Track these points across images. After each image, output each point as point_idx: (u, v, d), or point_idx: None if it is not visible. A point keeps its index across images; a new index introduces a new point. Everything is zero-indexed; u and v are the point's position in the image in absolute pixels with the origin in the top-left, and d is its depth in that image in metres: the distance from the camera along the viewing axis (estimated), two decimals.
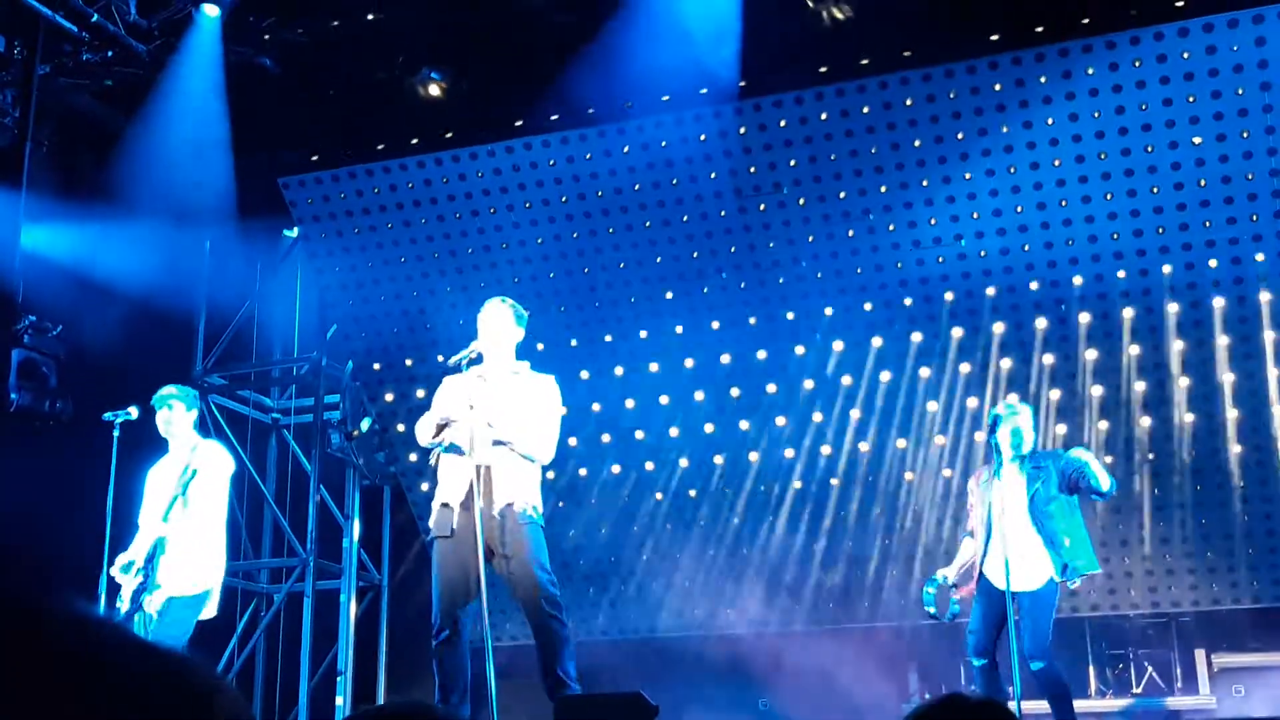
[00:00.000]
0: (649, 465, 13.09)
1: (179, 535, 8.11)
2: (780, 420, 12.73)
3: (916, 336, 12.26)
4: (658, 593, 13.34)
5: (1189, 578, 12.07)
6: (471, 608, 7.09)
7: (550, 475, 13.00)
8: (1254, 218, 11.16)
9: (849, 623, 12.86)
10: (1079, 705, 11.45)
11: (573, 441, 12.26)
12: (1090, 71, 11.08)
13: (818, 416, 12.65)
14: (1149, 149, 11.10)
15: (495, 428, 7.19)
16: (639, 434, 12.99)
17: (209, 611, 8.35)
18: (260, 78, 11.93)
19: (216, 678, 1.15)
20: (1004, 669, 8.25)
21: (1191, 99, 10.88)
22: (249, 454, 13.39)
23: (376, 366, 13.54)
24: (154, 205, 11.90)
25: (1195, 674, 12.03)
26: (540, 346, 12.82)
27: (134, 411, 8.99)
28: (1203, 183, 11.14)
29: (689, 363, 12.77)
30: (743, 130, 11.85)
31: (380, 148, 12.65)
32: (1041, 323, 11.96)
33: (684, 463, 13.02)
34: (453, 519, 7.13)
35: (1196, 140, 11.01)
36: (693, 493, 13.09)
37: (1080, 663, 12.08)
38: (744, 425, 12.82)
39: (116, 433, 8.89)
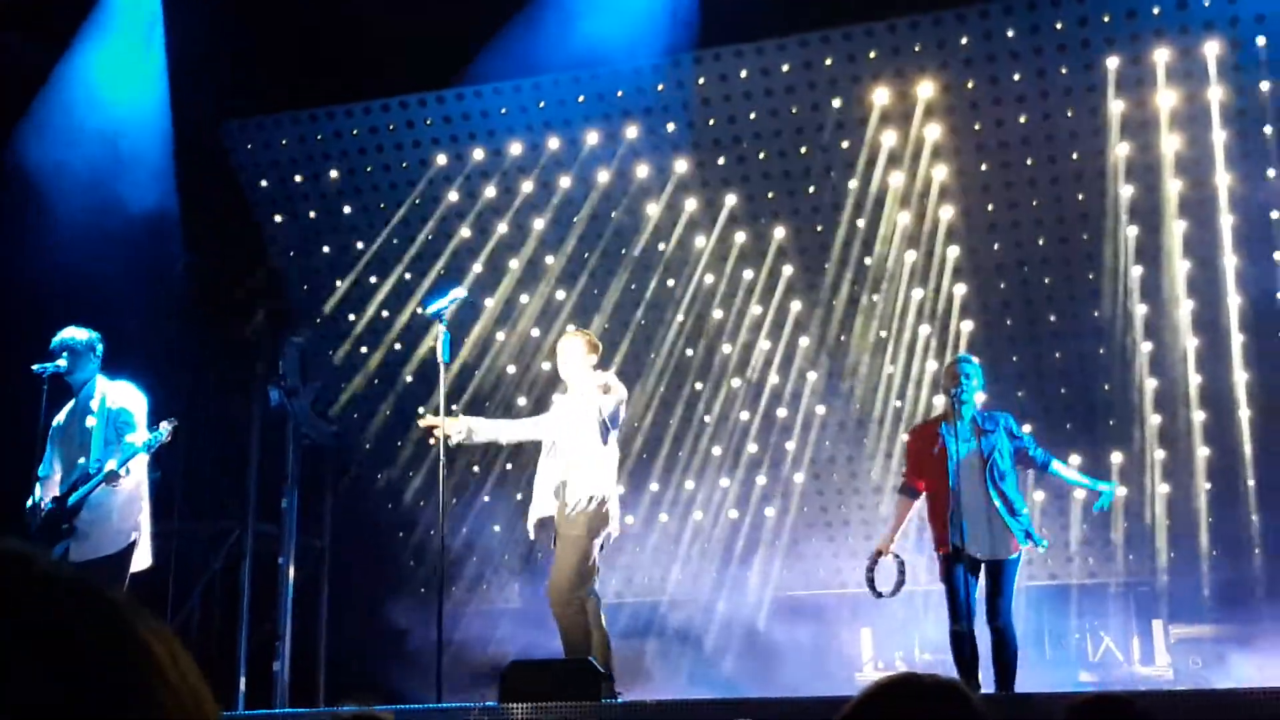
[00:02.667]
0: None
1: (100, 490, 7.74)
2: (735, 382, 12.43)
3: (875, 297, 11.98)
4: (607, 557, 13.03)
5: (1148, 548, 11.89)
6: None
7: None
8: None
9: (801, 589, 12.62)
10: (1034, 677, 11.33)
11: (521, 401, 11.88)
12: (1059, 27, 10.81)
13: (774, 379, 12.36)
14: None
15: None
16: None
17: (141, 561, 7.97)
18: (201, 18, 11.41)
19: (154, 619, 1.06)
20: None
21: None
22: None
23: (319, 320, 13.08)
24: (86, 149, 11.43)
25: (1152, 645, 11.88)
26: (489, 303, 12.49)
27: (63, 363, 8.64)
28: None
29: (641, 321, 12.42)
30: (701, 81, 11.49)
31: (326, 93, 12.16)
32: (1002, 285, 11.72)
33: (635, 424, 12.69)
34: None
35: None
36: (645, 455, 12.77)
37: (1036, 633, 11.89)
38: (697, 386, 12.51)
39: (45, 386, 8.57)
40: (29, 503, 7.99)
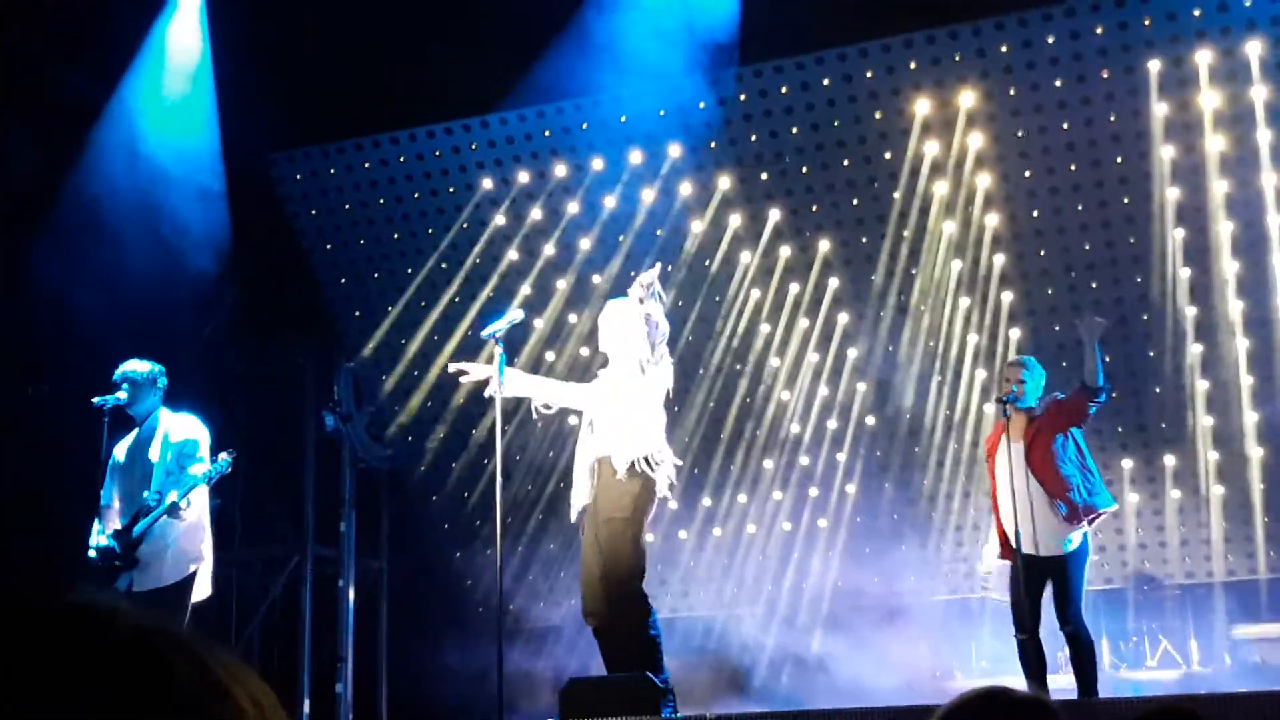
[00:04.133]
0: None
1: (162, 522, 7.83)
2: (785, 394, 12.47)
3: (923, 307, 11.99)
4: (661, 574, 13.09)
5: (1205, 548, 11.83)
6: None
7: (550, 452, 12.77)
8: None
9: (856, 601, 12.61)
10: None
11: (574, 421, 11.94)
12: (1099, 32, 10.81)
13: (824, 390, 12.40)
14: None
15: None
16: None
17: (202, 591, 8.06)
18: (247, 52, 11.58)
19: (240, 665, 1.07)
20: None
21: None
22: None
23: (371, 346, 13.22)
24: (139, 184, 11.63)
25: (1212, 646, 11.80)
26: (538, 324, 12.59)
27: (123, 395, 8.75)
28: None
29: (689, 338, 12.48)
30: (743, 97, 11.56)
31: (371, 122, 12.31)
32: (1050, 291, 11.71)
33: (687, 439, 12.74)
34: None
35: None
36: (696, 471, 12.82)
37: (1094, 637, 11.82)
38: (747, 400, 12.56)
39: (106, 419, 8.67)
40: (91, 536, 8.08)
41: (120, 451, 8.27)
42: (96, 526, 8.04)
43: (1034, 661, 7.85)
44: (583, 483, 7.10)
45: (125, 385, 8.23)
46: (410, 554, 13.77)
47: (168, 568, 7.86)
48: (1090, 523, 7.98)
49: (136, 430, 8.25)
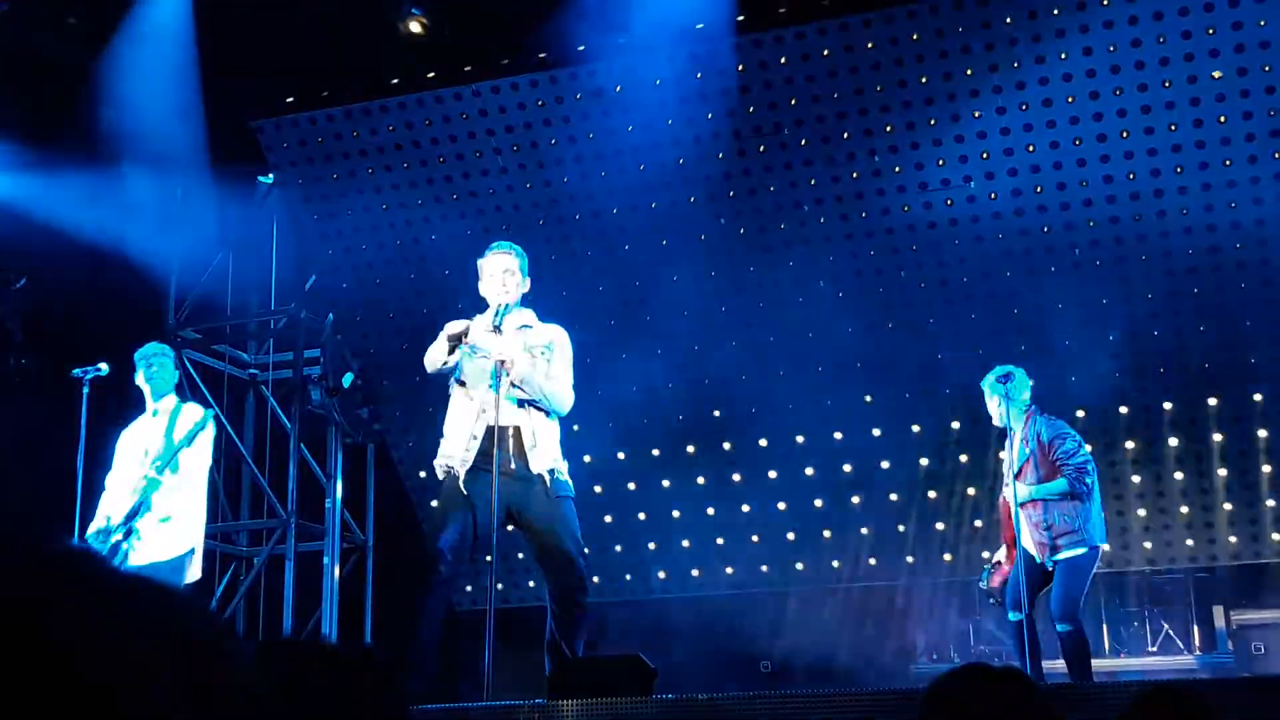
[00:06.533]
0: (643, 419, 12.58)
1: (163, 498, 7.77)
2: (782, 372, 12.24)
3: (922, 285, 11.78)
4: (654, 552, 12.89)
5: (1207, 532, 11.65)
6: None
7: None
8: (1277, 155, 10.69)
9: (852, 582, 12.43)
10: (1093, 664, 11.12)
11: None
12: (1105, 2, 10.58)
13: (820, 368, 12.17)
14: (1166, 84, 10.61)
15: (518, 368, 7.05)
16: (632, 387, 12.48)
17: (193, 574, 8.02)
18: (232, 13, 11.31)
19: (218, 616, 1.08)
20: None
21: (1211, 30, 10.38)
22: (225, 411, 12.85)
23: (358, 318, 12.99)
24: (122, 151, 11.40)
25: (1213, 631, 11.65)
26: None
27: (104, 367, 8.66)
28: (1223, 119, 10.65)
29: (684, 312, 12.26)
30: (741, 68, 11.31)
31: (359, 88, 12.04)
32: (1053, 267, 11.50)
33: (680, 417, 12.53)
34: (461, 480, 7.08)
35: (1216, 74, 10.53)
36: (691, 448, 12.62)
37: (1093, 622, 11.68)
38: (744, 377, 12.33)
39: (86, 390, 8.57)
40: (96, 514, 8.04)
41: (126, 436, 8.26)
42: (103, 509, 8.02)
43: (1029, 643, 7.74)
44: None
45: (153, 363, 8.22)
46: (397, 530, 13.53)
47: (166, 545, 7.89)
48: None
49: (148, 413, 8.25)
